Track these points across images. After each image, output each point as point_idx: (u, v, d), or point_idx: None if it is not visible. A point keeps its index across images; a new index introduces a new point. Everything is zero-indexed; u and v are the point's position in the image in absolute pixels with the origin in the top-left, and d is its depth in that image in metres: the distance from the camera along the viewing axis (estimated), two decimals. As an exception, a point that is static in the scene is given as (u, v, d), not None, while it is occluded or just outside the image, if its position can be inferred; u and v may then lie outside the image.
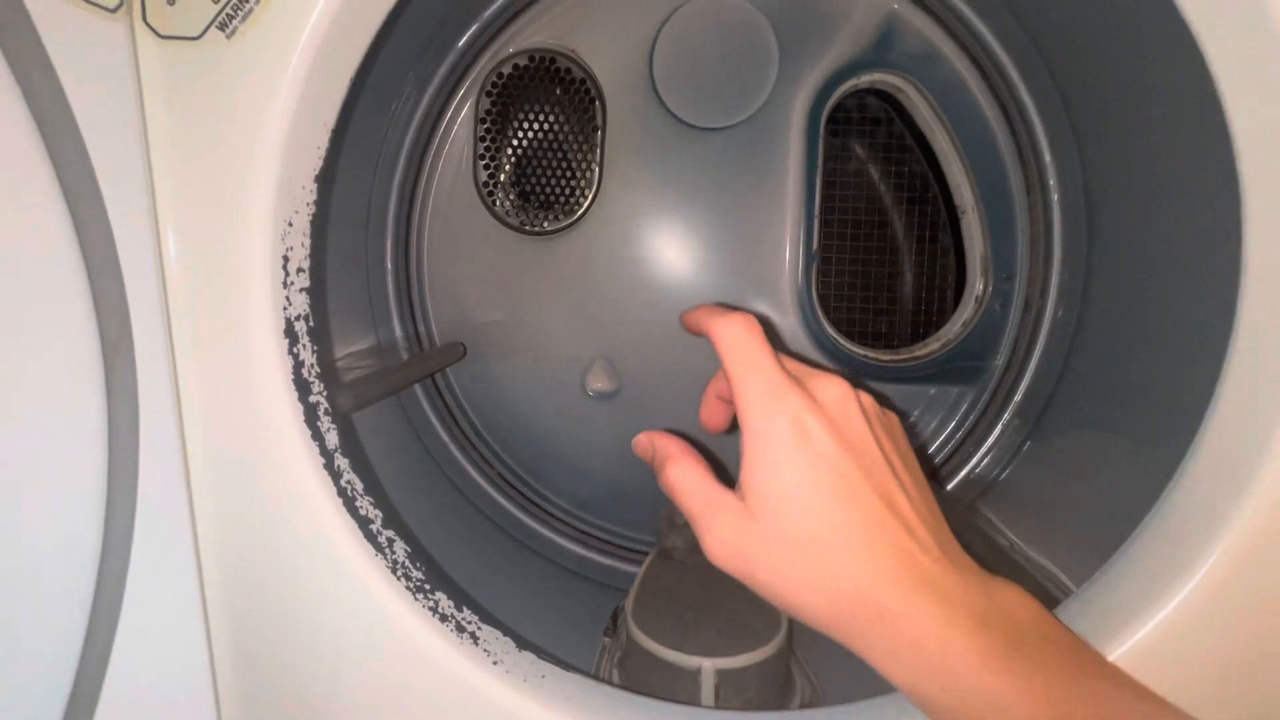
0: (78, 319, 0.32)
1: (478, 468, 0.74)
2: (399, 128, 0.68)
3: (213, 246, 0.37)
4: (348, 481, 0.40)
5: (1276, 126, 0.31)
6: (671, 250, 0.71)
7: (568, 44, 0.69)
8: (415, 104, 0.68)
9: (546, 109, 0.69)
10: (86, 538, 0.33)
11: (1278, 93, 0.31)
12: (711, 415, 0.40)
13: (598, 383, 0.73)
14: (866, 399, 0.33)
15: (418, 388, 0.72)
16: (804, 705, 0.54)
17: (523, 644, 0.43)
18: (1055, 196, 0.65)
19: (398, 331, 0.71)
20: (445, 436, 0.73)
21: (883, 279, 0.73)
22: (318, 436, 0.39)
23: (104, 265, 0.33)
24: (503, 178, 0.70)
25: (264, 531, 0.39)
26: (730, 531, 0.31)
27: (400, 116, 0.67)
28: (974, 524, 0.62)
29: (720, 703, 0.49)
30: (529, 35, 0.69)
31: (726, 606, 0.56)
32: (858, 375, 0.72)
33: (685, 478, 0.33)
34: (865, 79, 0.69)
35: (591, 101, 0.69)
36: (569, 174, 0.70)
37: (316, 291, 0.41)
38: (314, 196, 0.40)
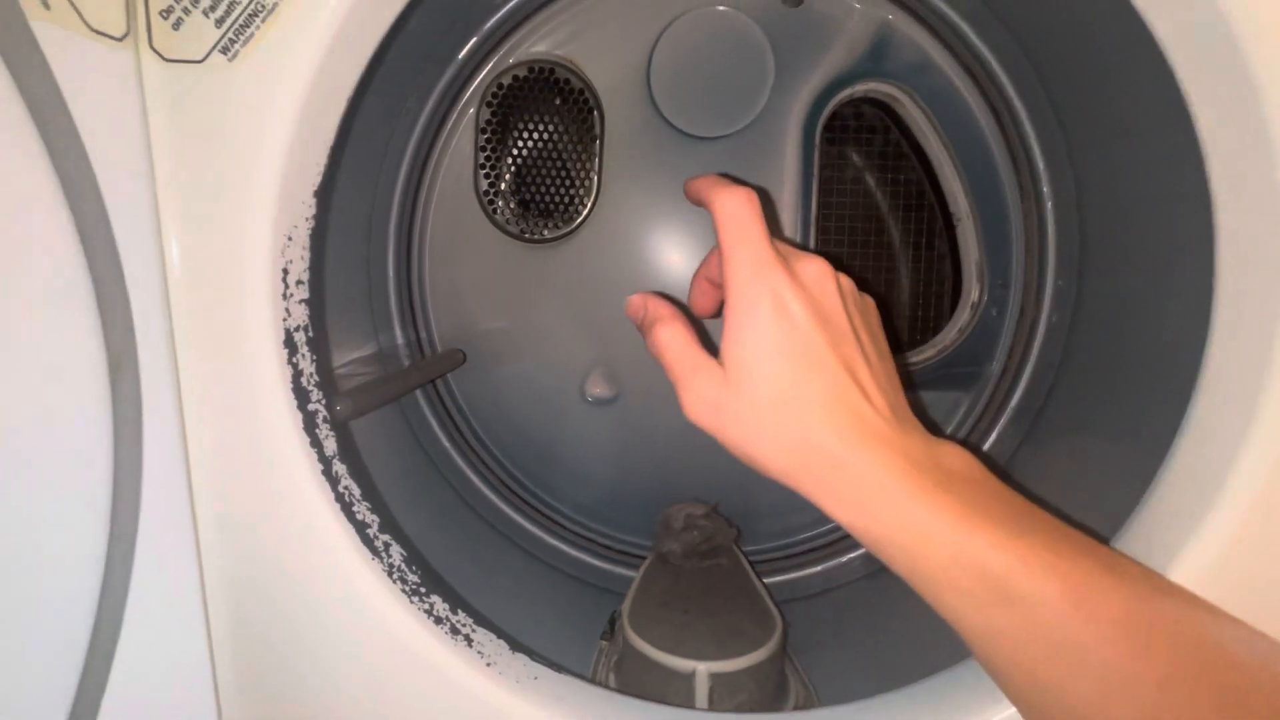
0: (85, 332, 0.34)
1: (478, 472, 0.76)
2: (400, 138, 0.69)
3: (215, 261, 0.38)
4: (345, 487, 0.42)
5: (1238, 139, 0.32)
6: (669, 258, 0.72)
7: (567, 55, 0.70)
8: (417, 114, 0.69)
9: (546, 119, 0.70)
10: (91, 543, 0.34)
11: (1238, 102, 0.32)
12: (700, 298, 0.42)
13: (597, 389, 0.74)
14: (845, 280, 0.37)
15: (419, 394, 0.73)
16: (798, 708, 0.54)
17: (516, 646, 0.44)
18: (1049, 203, 0.66)
19: (399, 338, 0.72)
20: (446, 442, 0.74)
21: (879, 286, 0.74)
22: (316, 444, 0.41)
23: (109, 280, 0.35)
24: (503, 186, 0.71)
25: (264, 536, 0.40)
26: (706, 390, 0.34)
27: (402, 127, 0.69)
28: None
29: (714, 706, 0.50)
30: (529, 47, 0.70)
31: (722, 610, 0.57)
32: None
33: (673, 340, 0.36)
34: (860, 88, 0.70)
35: (590, 111, 0.70)
36: (568, 183, 0.71)
37: (316, 303, 0.42)
38: (313, 211, 0.41)
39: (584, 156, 0.70)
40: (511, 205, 0.71)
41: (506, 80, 0.70)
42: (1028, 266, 0.69)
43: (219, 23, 0.36)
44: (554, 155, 0.71)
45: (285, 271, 0.40)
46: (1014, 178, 0.69)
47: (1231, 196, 0.33)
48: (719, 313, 0.37)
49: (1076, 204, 0.62)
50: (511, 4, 0.68)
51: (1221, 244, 0.34)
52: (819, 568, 0.74)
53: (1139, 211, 0.52)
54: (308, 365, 0.41)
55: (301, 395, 0.40)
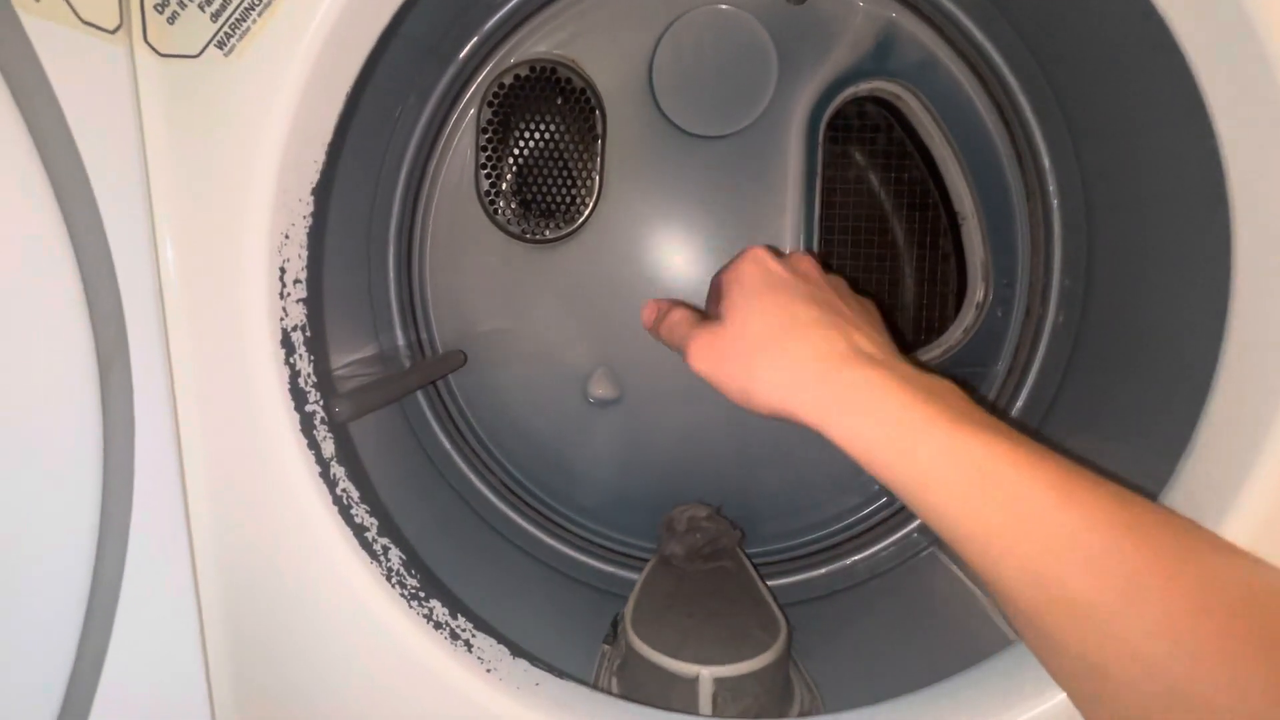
0: (73, 331, 0.33)
1: (479, 474, 0.75)
2: (402, 138, 0.69)
3: (210, 259, 0.38)
4: (343, 489, 0.41)
5: (1260, 136, 0.31)
6: (672, 258, 0.72)
7: (568, 54, 0.69)
8: (418, 114, 0.69)
9: (547, 118, 0.70)
10: (81, 546, 0.34)
11: (1262, 100, 0.31)
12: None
13: (599, 390, 0.73)
14: (836, 276, 0.41)
15: (420, 395, 0.72)
16: (803, 713, 0.53)
17: (517, 652, 0.43)
18: (1055, 202, 0.65)
19: (399, 339, 0.72)
20: (447, 443, 0.74)
21: (883, 286, 0.73)
22: (314, 445, 0.40)
23: (100, 277, 0.34)
24: (504, 186, 0.71)
25: (259, 539, 0.39)
26: (705, 339, 0.37)
27: (403, 127, 0.68)
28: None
29: (718, 711, 0.49)
30: (530, 46, 0.70)
31: (726, 614, 0.56)
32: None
33: (681, 318, 0.40)
34: (864, 87, 0.70)
35: (592, 111, 0.69)
36: (570, 183, 0.70)
37: (314, 302, 0.42)
38: (311, 209, 0.40)
39: (586, 156, 0.70)
40: (513, 205, 0.71)
41: (508, 80, 0.69)
42: (1033, 266, 0.68)
43: (215, 17, 0.36)
44: (556, 155, 0.70)
45: (282, 270, 0.39)
46: (1019, 176, 0.68)
47: (1249, 189, 0.32)
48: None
49: (1083, 202, 0.61)
50: (513, 3, 0.68)
51: (1239, 243, 0.33)
52: (823, 570, 0.74)
53: (1149, 209, 0.51)
54: (305, 365, 0.41)
55: (299, 396, 0.40)
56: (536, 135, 0.70)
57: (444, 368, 0.71)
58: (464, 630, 0.42)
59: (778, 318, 0.35)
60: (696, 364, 0.37)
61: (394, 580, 0.41)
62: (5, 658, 0.33)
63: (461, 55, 0.69)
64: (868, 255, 0.73)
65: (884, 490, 0.59)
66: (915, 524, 0.71)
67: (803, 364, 0.34)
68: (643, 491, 0.75)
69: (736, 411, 0.36)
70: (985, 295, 0.70)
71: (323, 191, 0.41)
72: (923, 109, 0.69)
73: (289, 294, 0.40)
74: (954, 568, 0.62)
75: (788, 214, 0.70)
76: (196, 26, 0.36)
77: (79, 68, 0.33)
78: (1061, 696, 0.36)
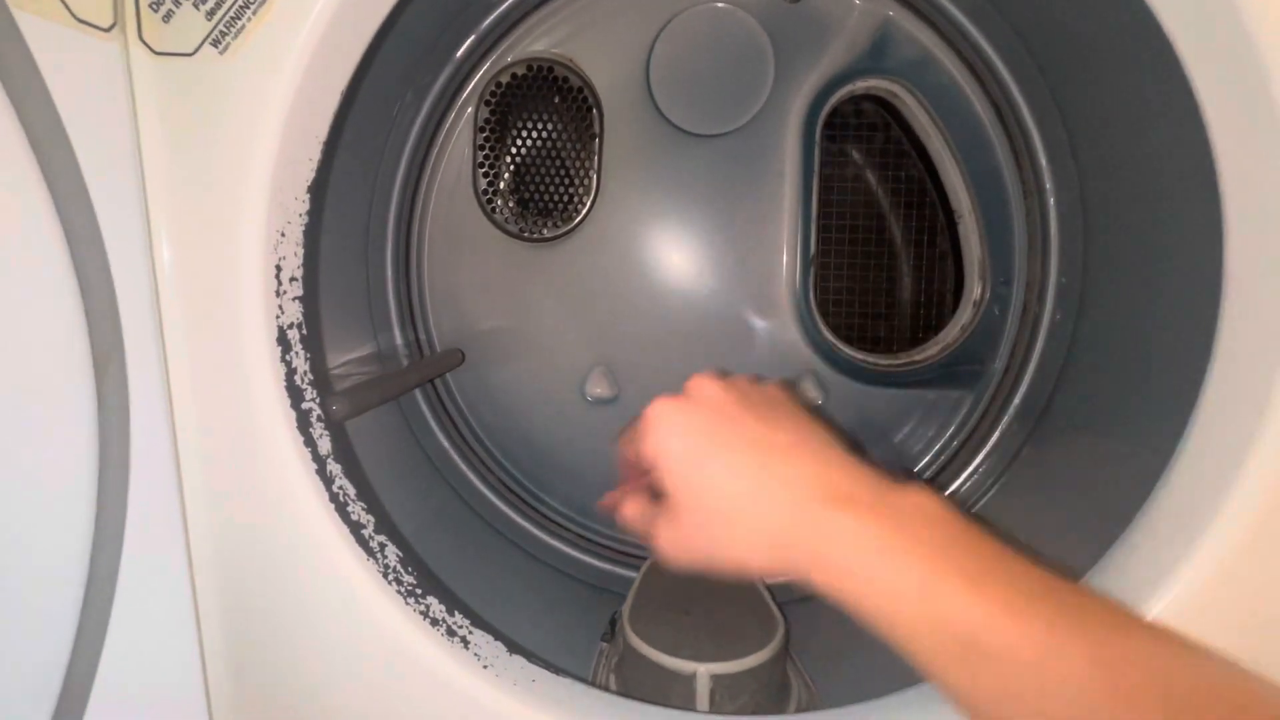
0: (68, 329, 0.33)
1: (477, 472, 0.75)
2: (399, 137, 0.69)
3: (206, 257, 0.38)
4: (340, 487, 0.41)
5: (1252, 135, 0.31)
6: (669, 256, 0.72)
7: (565, 53, 0.69)
8: (415, 113, 0.69)
9: (545, 117, 0.70)
10: (77, 543, 0.34)
11: (1254, 98, 0.31)
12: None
13: (597, 389, 0.73)
14: (739, 379, 0.38)
15: (418, 394, 0.72)
16: (800, 709, 0.53)
17: (514, 648, 0.43)
18: (1052, 200, 0.65)
19: (397, 338, 0.72)
20: (444, 442, 0.74)
21: (880, 283, 0.73)
22: (310, 443, 0.40)
23: (95, 275, 0.34)
24: (502, 185, 0.71)
25: (256, 536, 0.39)
26: (668, 536, 0.35)
27: (400, 125, 0.68)
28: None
29: (715, 707, 0.49)
30: (527, 44, 0.70)
31: (723, 611, 0.56)
32: (856, 379, 0.72)
33: (632, 511, 0.39)
34: (861, 85, 0.70)
35: (589, 109, 0.69)
36: (567, 181, 0.70)
37: (310, 300, 0.42)
38: (307, 207, 0.40)
39: (583, 155, 0.70)
40: (510, 204, 0.71)
41: (505, 79, 0.69)
42: (1030, 263, 0.68)
43: (210, 15, 0.36)
44: (553, 154, 0.70)
45: (278, 268, 0.39)
46: (1016, 174, 0.68)
47: (1241, 189, 0.32)
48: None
49: (1080, 200, 0.61)
50: (509, 1, 0.68)
51: (1230, 238, 0.34)
52: (821, 568, 0.73)
53: (1144, 206, 0.51)
54: (301, 363, 0.41)
55: (295, 393, 0.40)
56: (534, 134, 0.70)
57: (441, 366, 0.71)
58: (461, 627, 0.42)
59: (724, 481, 0.33)
60: (670, 560, 0.35)
61: (390, 577, 0.41)
62: (1, 655, 0.33)
63: (459, 54, 0.69)
64: (865, 253, 0.73)
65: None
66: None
67: (768, 526, 0.32)
68: (641, 490, 0.75)
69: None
70: (982, 293, 0.70)
71: (319, 189, 0.41)
72: (919, 107, 0.69)
73: (285, 291, 0.40)
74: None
75: (785, 212, 0.70)
76: (191, 24, 0.36)
77: (74, 65, 0.33)
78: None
